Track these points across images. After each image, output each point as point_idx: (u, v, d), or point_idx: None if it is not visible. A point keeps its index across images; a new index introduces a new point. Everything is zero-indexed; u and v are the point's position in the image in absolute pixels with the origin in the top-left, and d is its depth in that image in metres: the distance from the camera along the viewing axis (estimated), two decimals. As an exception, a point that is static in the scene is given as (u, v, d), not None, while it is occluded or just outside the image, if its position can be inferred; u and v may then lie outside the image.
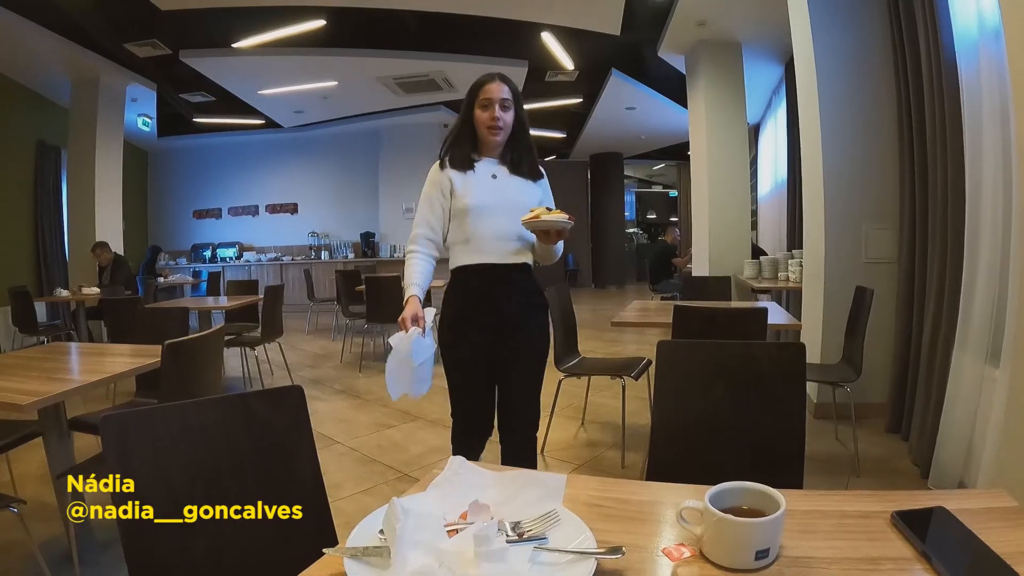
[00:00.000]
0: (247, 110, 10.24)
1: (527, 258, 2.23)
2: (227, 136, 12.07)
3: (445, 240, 2.26)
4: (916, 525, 0.91)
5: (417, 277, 2.16)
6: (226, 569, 1.21)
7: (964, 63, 2.86)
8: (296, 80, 8.82)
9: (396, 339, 1.93)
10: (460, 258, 2.21)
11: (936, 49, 3.12)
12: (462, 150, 2.24)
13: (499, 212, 2.16)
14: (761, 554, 0.85)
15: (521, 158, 2.27)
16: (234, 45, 7.35)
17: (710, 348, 1.65)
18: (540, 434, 2.28)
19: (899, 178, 3.79)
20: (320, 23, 6.85)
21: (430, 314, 2.03)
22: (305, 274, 9.08)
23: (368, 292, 6.12)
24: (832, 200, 3.95)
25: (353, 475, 3.19)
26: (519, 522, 0.94)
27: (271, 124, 11.42)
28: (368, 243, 11.81)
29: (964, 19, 2.85)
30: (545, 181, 2.33)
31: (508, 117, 2.19)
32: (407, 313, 1.99)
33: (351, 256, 11.72)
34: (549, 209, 2.09)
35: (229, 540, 1.21)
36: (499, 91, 2.16)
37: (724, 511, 0.87)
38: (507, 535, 0.91)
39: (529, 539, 0.90)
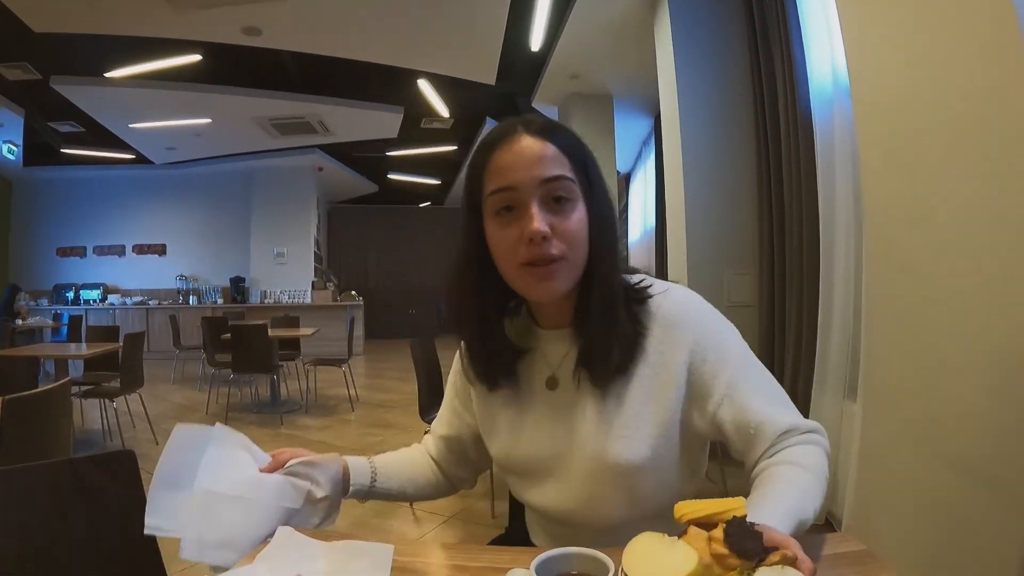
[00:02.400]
0: (118, 143, 9.70)
1: None
2: (96, 170, 11.39)
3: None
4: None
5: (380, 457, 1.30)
6: None
7: (819, 118, 3.07)
8: (169, 115, 8.45)
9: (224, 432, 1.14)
10: None
11: (793, 104, 3.35)
12: (480, 332, 1.13)
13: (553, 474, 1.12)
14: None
15: (609, 334, 1.03)
16: (107, 75, 6.95)
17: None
18: None
19: (758, 226, 4.01)
20: (196, 58, 6.60)
21: (326, 481, 1.16)
22: (171, 319, 8.57)
23: (234, 340, 5.84)
24: (694, 247, 4.11)
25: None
26: (345, 597, 0.86)
27: (142, 160, 10.86)
28: (238, 288, 11.36)
29: (820, 77, 3.07)
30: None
31: (569, 224, 1.00)
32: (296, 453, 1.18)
33: (220, 301, 11.25)
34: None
35: None
36: (535, 161, 0.99)
37: (552, 581, 0.82)
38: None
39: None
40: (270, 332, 6.04)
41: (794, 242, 3.39)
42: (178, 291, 11.50)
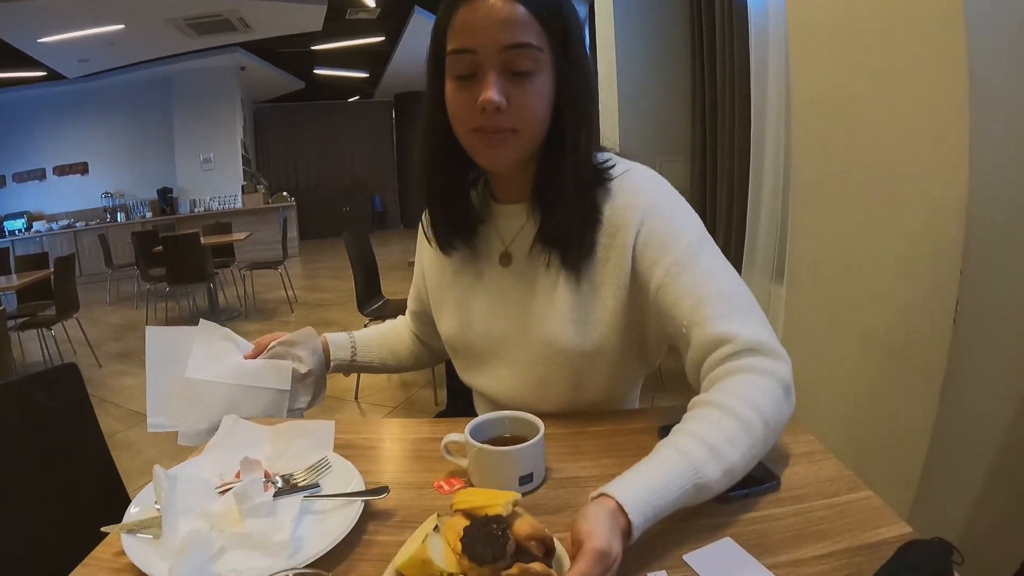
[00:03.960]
0: (27, 61, 8.99)
1: None
2: (6, 92, 10.54)
3: None
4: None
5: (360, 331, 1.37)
6: (21, 564, 1.13)
7: (753, 5, 3.04)
8: (79, 24, 7.83)
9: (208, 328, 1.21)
10: None
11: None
12: (441, 193, 1.09)
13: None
14: (525, 479, 0.87)
15: (564, 201, 1.00)
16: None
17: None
18: (352, 380, 2.13)
19: (691, 114, 4.03)
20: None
21: (307, 355, 1.21)
22: (100, 239, 8.23)
23: (166, 252, 5.71)
24: (627, 133, 4.12)
25: (169, 450, 2.94)
26: (291, 474, 0.92)
27: (54, 76, 10.09)
28: (166, 200, 10.95)
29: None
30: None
31: (527, 98, 0.94)
32: (275, 336, 1.22)
33: (149, 215, 10.84)
34: None
35: (17, 536, 1.14)
36: (500, 24, 0.90)
37: (487, 441, 0.89)
38: (277, 488, 0.87)
39: (300, 489, 0.88)
40: (202, 240, 5.95)
41: (726, 129, 3.43)
42: (105, 210, 10.95)
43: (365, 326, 1.46)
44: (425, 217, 1.16)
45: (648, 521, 0.71)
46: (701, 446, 0.76)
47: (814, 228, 2.12)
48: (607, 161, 1.04)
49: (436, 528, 0.70)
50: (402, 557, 0.68)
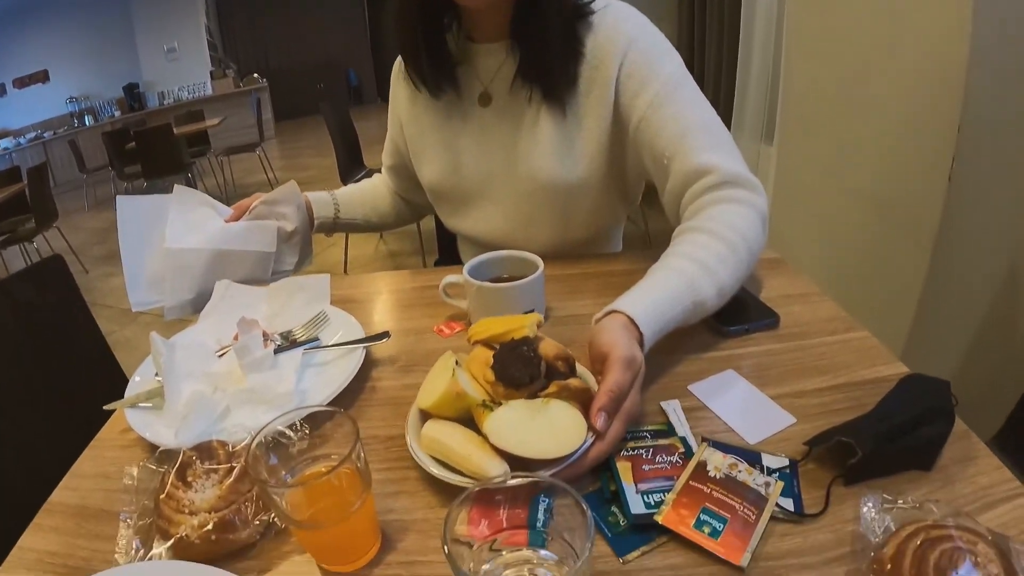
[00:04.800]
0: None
1: None
2: None
3: None
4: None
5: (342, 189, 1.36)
6: (26, 459, 1.11)
7: None
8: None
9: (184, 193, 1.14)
10: None
11: None
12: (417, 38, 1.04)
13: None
14: (527, 316, 0.86)
15: (545, 35, 0.97)
16: None
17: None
18: (339, 252, 2.07)
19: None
20: None
21: (292, 212, 1.16)
22: (71, 145, 7.95)
23: (139, 148, 5.61)
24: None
25: (166, 336, 2.94)
26: (290, 331, 0.91)
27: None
28: (133, 96, 10.49)
29: None
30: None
31: None
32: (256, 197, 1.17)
33: (118, 114, 10.37)
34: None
35: (24, 433, 1.12)
36: None
37: (486, 281, 0.87)
38: (276, 345, 0.87)
39: (300, 344, 0.87)
40: (175, 130, 5.82)
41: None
42: (72, 115, 10.47)
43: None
44: (398, 66, 1.14)
45: (655, 335, 0.72)
46: (694, 264, 0.79)
47: (809, 81, 2.06)
48: None
49: (457, 364, 0.66)
50: (429, 397, 0.64)
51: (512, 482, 0.50)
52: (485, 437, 0.59)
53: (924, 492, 0.57)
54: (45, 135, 10.11)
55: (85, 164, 7.74)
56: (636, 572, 0.53)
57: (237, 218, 1.13)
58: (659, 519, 0.55)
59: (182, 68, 10.77)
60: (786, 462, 0.61)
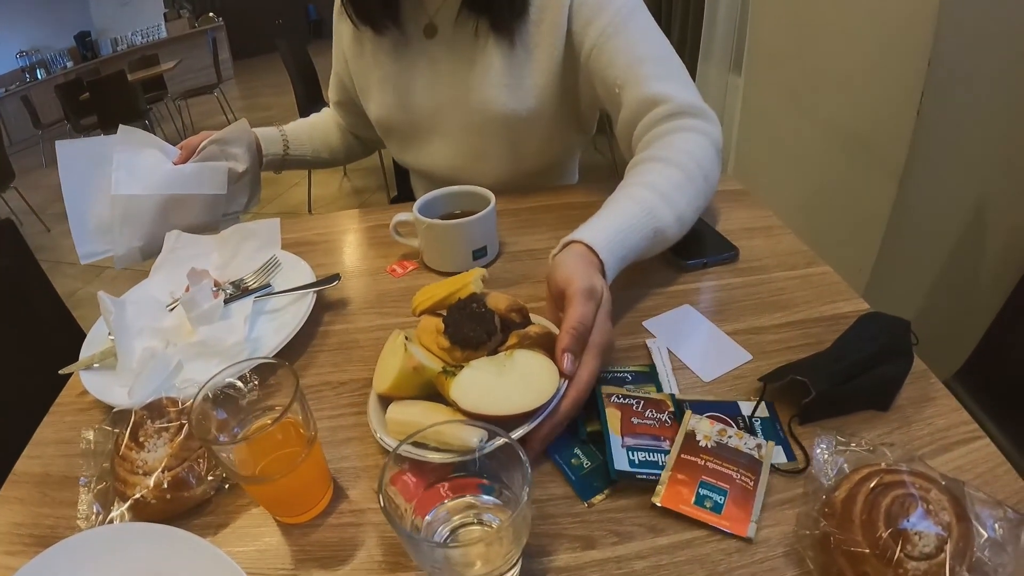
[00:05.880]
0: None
1: None
2: None
3: None
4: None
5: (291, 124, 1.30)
6: None
7: None
8: None
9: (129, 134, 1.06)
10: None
11: None
12: None
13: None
14: (479, 252, 0.85)
15: None
16: None
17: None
18: (303, 192, 2.02)
19: None
20: None
21: (242, 152, 1.11)
22: (24, 101, 7.69)
23: (94, 98, 5.44)
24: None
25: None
26: (241, 279, 0.89)
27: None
28: (86, 44, 10.12)
29: None
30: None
31: None
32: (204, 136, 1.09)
33: (71, 65, 9.99)
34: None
35: None
36: None
37: (438, 218, 0.85)
38: (227, 294, 0.85)
39: (251, 292, 0.85)
40: (129, 77, 5.69)
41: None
42: (22, 70, 10.03)
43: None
44: (338, 1, 1.09)
45: (618, 263, 0.71)
46: (652, 192, 0.77)
47: (776, 17, 2.01)
48: None
49: (407, 339, 0.61)
50: (385, 380, 0.60)
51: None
52: (454, 404, 0.55)
53: (880, 433, 0.57)
54: (-2, 93, 9.75)
55: (40, 119, 7.47)
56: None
57: (185, 158, 1.06)
58: (657, 501, 0.53)
59: (135, 12, 10.36)
60: (767, 413, 0.60)
